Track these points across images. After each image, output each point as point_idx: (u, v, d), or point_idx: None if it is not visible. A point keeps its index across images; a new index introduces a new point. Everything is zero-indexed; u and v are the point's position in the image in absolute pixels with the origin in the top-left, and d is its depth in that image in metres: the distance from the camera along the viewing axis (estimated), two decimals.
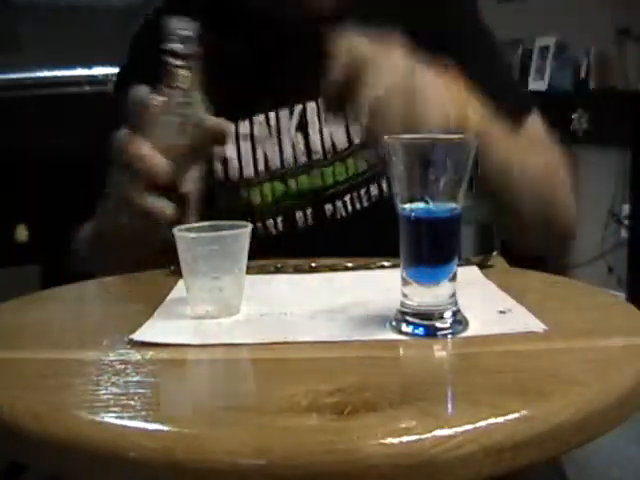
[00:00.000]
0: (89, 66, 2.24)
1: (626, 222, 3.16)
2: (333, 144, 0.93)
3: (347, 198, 0.93)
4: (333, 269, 0.78)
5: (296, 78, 0.90)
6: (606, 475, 1.95)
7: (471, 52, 0.90)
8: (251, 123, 0.94)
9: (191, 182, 0.76)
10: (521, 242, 0.97)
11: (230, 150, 0.92)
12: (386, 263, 0.78)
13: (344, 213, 0.93)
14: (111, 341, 0.58)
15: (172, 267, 0.79)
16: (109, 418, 0.43)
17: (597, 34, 3.19)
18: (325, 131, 0.93)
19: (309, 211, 0.93)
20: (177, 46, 0.75)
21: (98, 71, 2.21)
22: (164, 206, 0.73)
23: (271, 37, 0.93)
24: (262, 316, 0.62)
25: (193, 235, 0.63)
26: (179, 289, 0.71)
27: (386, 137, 0.56)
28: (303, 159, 0.93)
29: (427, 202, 0.55)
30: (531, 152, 0.88)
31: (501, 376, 0.49)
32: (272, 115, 0.94)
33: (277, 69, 0.94)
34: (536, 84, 3.47)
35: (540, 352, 0.55)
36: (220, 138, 0.77)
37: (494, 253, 0.80)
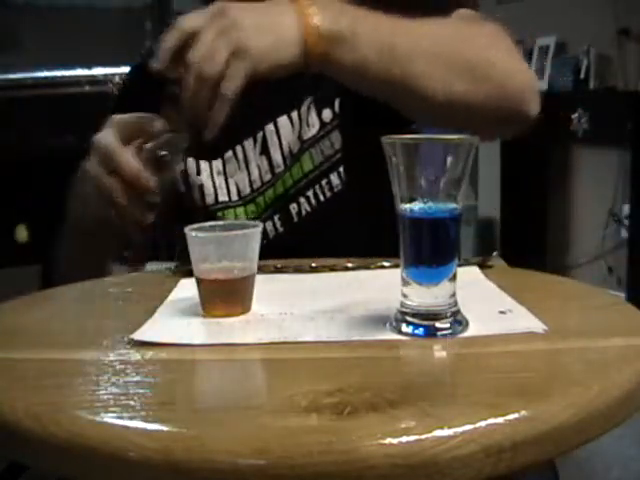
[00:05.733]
0: (89, 66, 2.24)
1: (626, 222, 3.16)
2: (290, 151, 0.99)
3: (309, 193, 0.98)
4: (333, 269, 0.78)
5: (253, 107, 0.94)
6: (606, 475, 1.95)
7: None
8: (223, 161, 1.01)
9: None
10: (469, 125, 0.83)
11: (206, 180, 1.01)
12: (386, 263, 0.78)
13: (308, 208, 0.98)
14: (111, 341, 0.58)
15: (173, 267, 0.80)
16: (109, 418, 0.43)
17: (597, 34, 3.19)
18: (284, 144, 0.99)
19: (277, 217, 0.99)
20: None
21: (98, 71, 2.21)
22: (139, 211, 0.74)
23: None
24: (262, 316, 0.62)
25: (204, 235, 0.63)
26: (180, 289, 0.71)
27: (386, 137, 0.56)
28: (268, 177, 1.00)
29: (427, 202, 0.55)
30: (436, 27, 0.81)
31: (501, 376, 0.49)
32: (239, 148, 1.01)
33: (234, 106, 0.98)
34: None
35: (540, 352, 0.55)
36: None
37: (494, 253, 0.81)
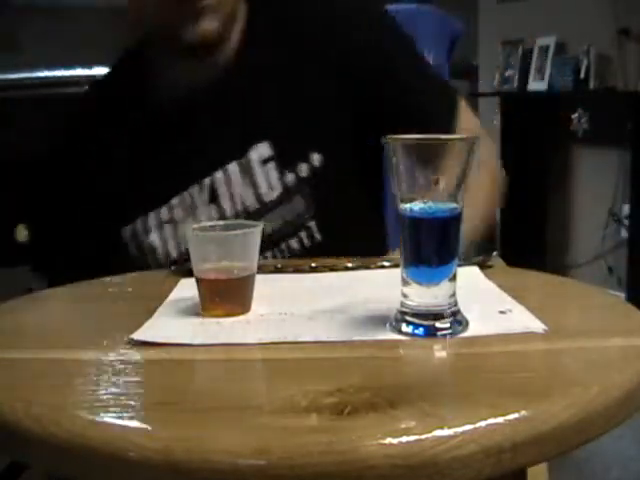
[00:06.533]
0: (89, 66, 2.24)
1: (626, 222, 3.16)
2: (244, 207, 0.97)
3: (268, 254, 0.95)
4: (333, 269, 0.78)
5: (199, 152, 0.98)
6: (606, 476, 1.95)
7: (391, 66, 1.00)
8: (170, 208, 0.99)
9: None
10: None
11: (154, 238, 0.99)
12: (386, 263, 0.78)
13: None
14: (111, 341, 0.58)
15: (173, 267, 0.80)
16: (109, 418, 0.43)
17: (597, 34, 3.19)
18: (236, 196, 0.97)
19: None
20: None
21: (98, 71, 2.21)
22: None
23: (165, 122, 1.00)
24: (262, 316, 0.62)
25: (204, 234, 0.63)
26: (180, 289, 0.71)
27: (387, 137, 0.56)
28: None
29: (427, 202, 0.55)
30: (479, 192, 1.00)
31: (501, 376, 0.49)
32: (186, 194, 0.98)
33: (179, 150, 1.00)
34: (536, 84, 3.47)
35: (540, 352, 0.55)
36: None
37: (494, 253, 0.81)
